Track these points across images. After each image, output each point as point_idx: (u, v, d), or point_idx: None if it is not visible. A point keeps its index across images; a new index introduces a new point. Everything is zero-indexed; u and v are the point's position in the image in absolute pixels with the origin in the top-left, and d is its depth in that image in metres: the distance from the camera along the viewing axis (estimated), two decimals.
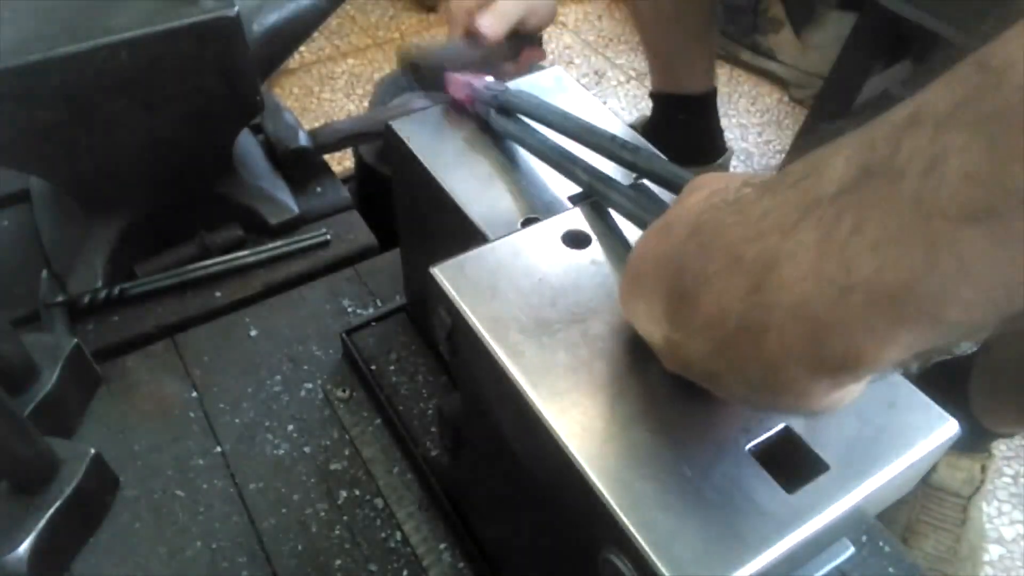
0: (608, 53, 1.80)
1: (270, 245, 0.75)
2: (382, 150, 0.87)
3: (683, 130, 1.23)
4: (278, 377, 0.66)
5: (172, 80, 0.62)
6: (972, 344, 1.17)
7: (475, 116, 0.53)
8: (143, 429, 0.62)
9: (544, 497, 0.37)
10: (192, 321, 0.70)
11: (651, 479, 0.30)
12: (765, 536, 0.29)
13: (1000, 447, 0.94)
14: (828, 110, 1.26)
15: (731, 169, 1.33)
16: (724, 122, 1.30)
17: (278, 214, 0.77)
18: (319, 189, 0.82)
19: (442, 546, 0.56)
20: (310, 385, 0.65)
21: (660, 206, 0.41)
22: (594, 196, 0.44)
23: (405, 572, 0.54)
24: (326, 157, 0.86)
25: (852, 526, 0.33)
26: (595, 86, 1.71)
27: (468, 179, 0.49)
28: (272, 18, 0.70)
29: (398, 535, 0.56)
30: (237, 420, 0.63)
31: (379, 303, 0.72)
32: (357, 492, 0.59)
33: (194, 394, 0.64)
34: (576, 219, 0.42)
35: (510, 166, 0.50)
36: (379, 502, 0.58)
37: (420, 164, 0.50)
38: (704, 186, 0.32)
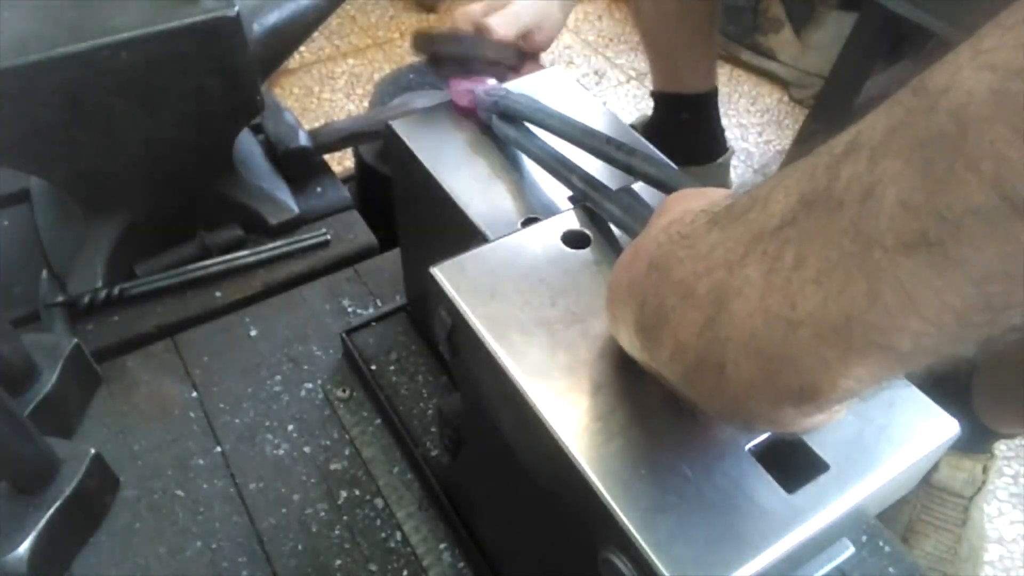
0: (608, 53, 1.80)
1: (270, 245, 0.75)
2: (382, 150, 0.87)
3: (684, 130, 1.23)
4: (278, 377, 0.66)
5: (172, 80, 0.62)
6: None
7: (476, 116, 0.53)
8: (143, 429, 0.62)
9: (544, 497, 0.37)
10: (192, 321, 0.70)
11: (651, 479, 0.30)
12: (765, 536, 0.29)
13: (1000, 447, 0.94)
14: (828, 110, 1.26)
15: (731, 169, 1.33)
16: (724, 122, 1.30)
17: (278, 214, 0.77)
18: (319, 189, 0.82)
19: (442, 546, 0.56)
20: (310, 385, 0.65)
21: (650, 214, 0.41)
22: (588, 203, 0.44)
23: (405, 572, 0.54)
24: (326, 157, 0.86)
25: (852, 526, 0.33)
26: (595, 86, 1.70)
27: (468, 179, 0.49)
28: (272, 18, 0.70)
29: (398, 535, 0.56)
30: (237, 420, 0.63)
31: (379, 303, 0.72)
32: (357, 492, 0.59)
33: (194, 394, 0.64)
34: (576, 219, 0.42)
35: (510, 166, 0.50)
36: (379, 502, 0.58)
37: (420, 164, 0.50)
38: (676, 205, 0.32)
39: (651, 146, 0.50)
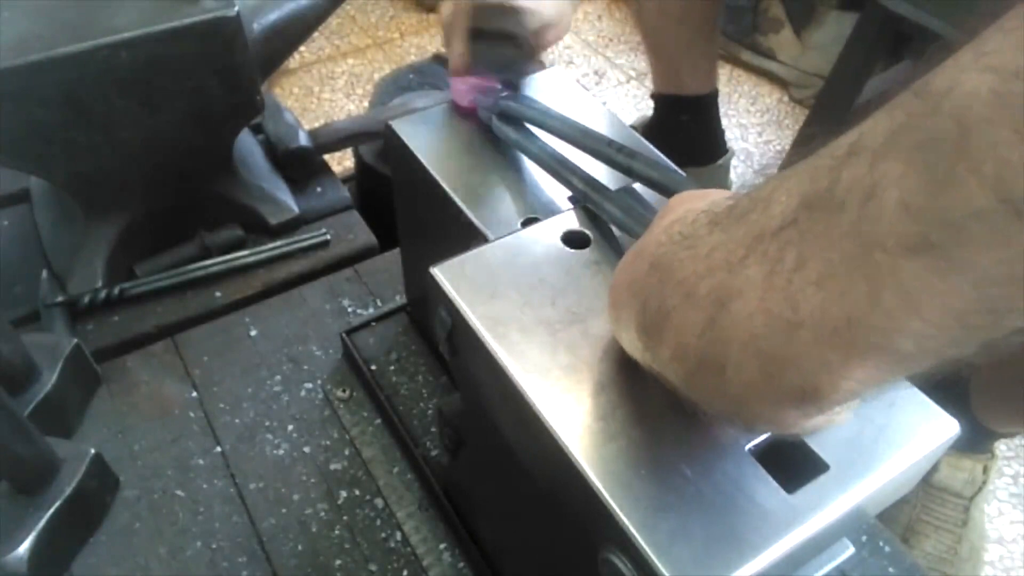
0: (608, 53, 1.80)
1: (270, 245, 0.75)
2: (382, 150, 0.87)
3: (684, 131, 1.23)
4: (278, 377, 0.66)
5: (172, 80, 0.62)
6: None
7: (476, 116, 0.53)
8: (143, 429, 0.62)
9: (544, 497, 0.37)
10: (192, 321, 0.70)
11: (651, 479, 0.30)
12: (765, 536, 0.29)
13: (1000, 447, 0.94)
14: (828, 110, 1.26)
15: (731, 169, 1.33)
16: (724, 122, 1.29)
17: (278, 214, 0.77)
18: (319, 189, 0.82)
19: (442, 546, 0.56)
20: (310, 385, 0.65)
21: (651, 215, 0.41)
22: (588, 205, 0.44)
23: (405, 572, 0.54)
24: (326, 157, 0.86)
25: (852, 526, 0.33)
26: (595, 86, 1.70)
27: (468, 179, 0.49)
28: (272, 18, 0.70)
29: (398, 535, 0.56)
30: (237, 420, 0.63)
31: (379, 303, 0.72)
32: (357, 492, 0.59)
33: (194, 394, 0.64)
34: (576, 219, 0.42)
35: (510, 166, 0.50)
36: (379, 502, 0.58)
37: (420, 164, 0.50)
38: (678, 206, 0.32)
39: (652, 147, 0.49)
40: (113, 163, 0.65)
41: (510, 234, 0.41)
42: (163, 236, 0.73)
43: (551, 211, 0.46)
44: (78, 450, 0.55)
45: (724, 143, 1.29)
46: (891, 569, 0.55)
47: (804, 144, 0.31)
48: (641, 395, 0.34)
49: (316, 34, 0.99)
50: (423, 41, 1.79)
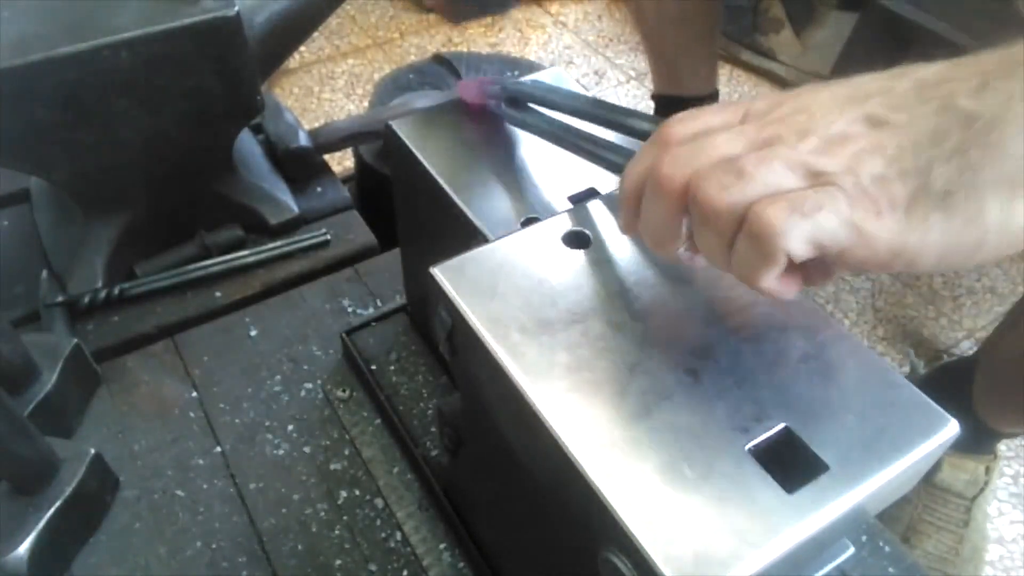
0: (608, 53, 1.80)
1: (270, 245, 0.75)
2: (382, 150, 0.87)
3: None
4: (278, 377, 0.66)
5: (172, 80, 0.62)
6: (973, 344, 1.17)
7: (476, 116, 0.53)
8: (143, 429, 0.62)
9: (544, 497, 0.37)
10: (192, 321, 0.70)
11: (651, 479, 0.30)
12: (765, 536, 0.29)
13: (1000, 447, 0.94)
14: None
15: None
16: None
17: (278, 214, 0.77)
18: (319, 189, 0.82)
19: (442, 546, 0.56)
20: (310, 385, 0.65)
21: None
22: (614, 171, 0.44)
23: (405, 572, 0.54)
24: (326, 157, 0.86)
25: (852, 526, 0.33)
26: (595, 86, 1.70)
27: (468, 179, 0.49)
28: (272, 17, 0.70)
29: (398, 535, 0.56)
30: (237, 420, 0.63)
31: (379, 303, 0.72)
32: (357, 492, 0.59)
33: (194, 394, 0.64)
34: (576, 219, 0.42)
35: (510, 166, 0.50)
36: (379, 502, 0.58)
37: (420, 164, 0.50)
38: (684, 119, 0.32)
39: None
40: (113, 163, 0.65)
41: (510, 234, 0.41)
42: (163, 236, 0.73)
43: (551, 211, 0.46)
44: (78, 450, 0.55)
45: None
46: (891, 569, 0.55)
47: None
48: (641, 395, 0.34)
49: (316, 34, 0.99)
50: (423, 41, 1.79)
